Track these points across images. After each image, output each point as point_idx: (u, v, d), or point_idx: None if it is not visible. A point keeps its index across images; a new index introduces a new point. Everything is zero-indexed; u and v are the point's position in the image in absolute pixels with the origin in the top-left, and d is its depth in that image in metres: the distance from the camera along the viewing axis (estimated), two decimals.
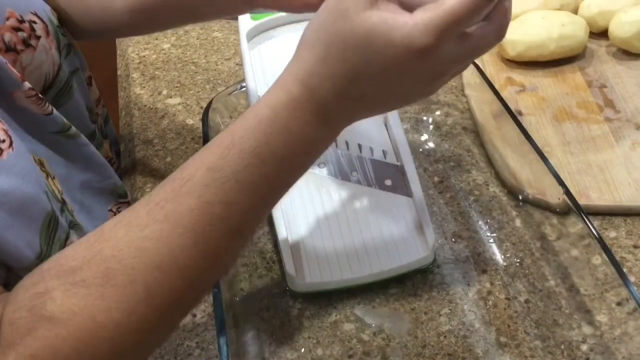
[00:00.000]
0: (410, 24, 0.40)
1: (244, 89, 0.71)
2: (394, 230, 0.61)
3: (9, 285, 0.44)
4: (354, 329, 0.58)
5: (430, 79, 0.44)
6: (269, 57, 0.68)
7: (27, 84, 0.53)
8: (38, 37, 0.57)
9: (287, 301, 0.60)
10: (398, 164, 0.65)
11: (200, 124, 0.76)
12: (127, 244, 0.42)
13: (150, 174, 0.73)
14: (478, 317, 0.58)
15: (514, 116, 0.67)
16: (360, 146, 0.66)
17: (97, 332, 0.40)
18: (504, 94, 0.75)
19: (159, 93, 0.84)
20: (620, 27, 0.81)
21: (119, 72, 0.90)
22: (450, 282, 0.61)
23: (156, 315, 0.42)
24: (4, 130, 0.48)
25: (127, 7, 0.61)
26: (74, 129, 0.58)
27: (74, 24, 0.63)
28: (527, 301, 0.59)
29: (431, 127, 0.76)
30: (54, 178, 0.55)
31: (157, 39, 0.92)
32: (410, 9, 0.41)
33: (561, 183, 0.61)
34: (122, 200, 0.64)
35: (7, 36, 0.54)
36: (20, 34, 0.55)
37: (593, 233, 0.57)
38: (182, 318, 0.47)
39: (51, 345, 0.39)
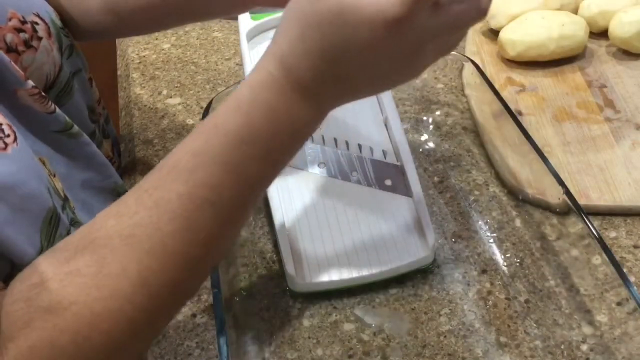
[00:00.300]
0: None
1: None
2: (394, 230, 0.61)
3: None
4: (354, 329, 0.58)
5: (408, 55, 0.43)
6: None
7: (30, 82, 0.53)
8: (40, 39, 0.57)
9: (287, 301, 0.60)
10: (398, 164, 0.65)
11: None
12: (117, 232, 0.42)
13: None
14: (478, 317, 0.58)
15: (514, 116, 0.67)
16: (360, 146, 0.66)
17: (93, 321, 0.40)
18: (504, 94, 0.75)
19: (159, 93, 0.84)
20: (620, 27, 0.81)
21: (119, 72, 0.90)
22: (450, 282, 0.61)
23: (151, 303, 0.42)
24: (8, 125, 0.48)
25: (127, 7, 0.61)
26: (76, 127, 0.58)
27: (75, 24, 0.63)
28: (527, 301, 0.59)
29: (431, 127, 0.76)
30: (54, 176, 0.55)
31: (157, 39, 0.92)
32: None
33: (561, 183, 0.61)
34: None
35: (9, 37, 0.54)
36: (22, 34, 0.55)
37: (593, 233, 0.57)
38: (179, 307, 0.47)
39: (49, 337, 0.39)
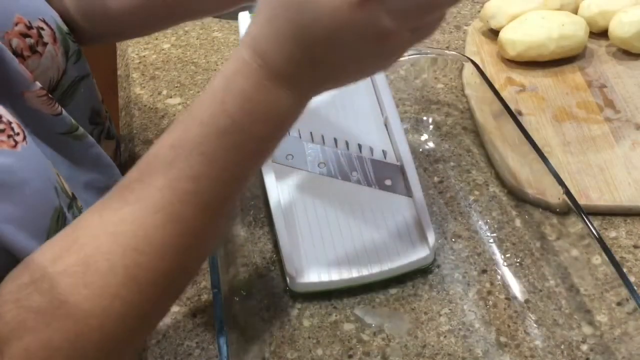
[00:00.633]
0: None
1: None
2: (394, 230, 0.61)
3: None
4: (354, 329, 0.58)
5: (378, 37, 0.42)
6: None
7: (37, 84, 0.53)
8: (45, 44, 0.57)
9: (287, 301, 0.60)
10: (398, 164, 0.65)
11: None
12: (102, 229, 0.42)
13: None
14: (478, 317, 0.58)
15: (514, 116, 0.67)
16: (360, 146, 0.66)
17: (85, 320, 0.40)
18: (504, 94, 0.75)
19: (159, 93, 0.84)
20: (620, 27, 0.81)
21: (119, 72, 0.90)
22: (450, 282, 0.61)
23: (142, 298, 0.42)
24: (17, 124, 0.48)
25: (125, 8, 0.61)
26: (81, 129, 0.58)
27: (79, 29, 0.64)
28: (527, 301, 0.59)
29: (431, 127, 0.76)
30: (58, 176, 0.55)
31: (157, 39, 0.92)
32: None
33: (561, 183, 0.61)
34: None
35: (15, 42, 0.55)
36: (27, 40, 0.56)
37: (593, 233, 0.57)
38: (171, 301, 0.47)
39: (43, 338, 0.39)
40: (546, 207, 0.64)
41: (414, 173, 0.64)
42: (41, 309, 0.39)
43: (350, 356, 0.56)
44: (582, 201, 0.62)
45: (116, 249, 0.41)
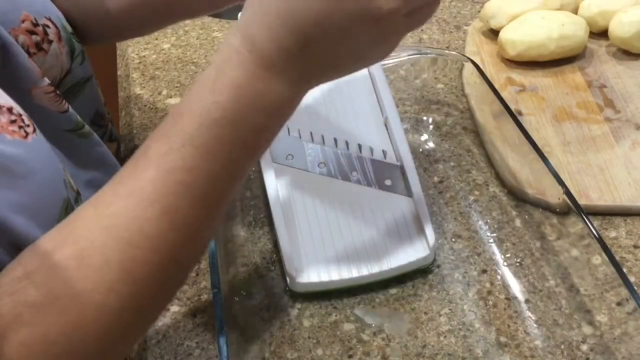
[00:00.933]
0: None
1: None
2: (394, 230, 0.61)
3: None
4: (354, 329, 0.58)
5: (371, 19, 0.42)
6: None
7: (46, 80, 0.53)
8: (50, 42, 0.57)
9: (287, 301, 0.60)
10: (398, 164, 0.65)
11: None
12: (96, 223, 0.42)
13: None
14: (478, 317, 0.58)
15: (514, 116, 0.67)
16: (360, 146, 0.66)
17: (81, 314, 0.40)
18: (504, 94, 0.75)
19: (159, 93, 0.84)
20: (620, 27, 0.81)
21: (119, 72, 0.90)
22: (450, 282, 0.61)
23: (137, 293, 0.42)
24: (27, 116, 0.48)
25: (125, 7, 0.62)
26: (87, 127, 0.58)
27: (80, 29, 0.64)
28: (527, 301, 0.59)
29: (431, 127, 0.76)
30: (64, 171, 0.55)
31: (157, 39, 0.92)
32: None
33: (561, 183, 0.61)
34: None
35: (22, 38, 0.55)
36: (34, 37, 0.56)
37: (593, 233, 0.57)
38: (167, 295, 0.46)
39: (38, 332, 0.39)
40: (546, 207, 0.64)
41: (414, 173, 0.64)
42: (36, 303, 0.39)
43: (350, 356, 0.56)
44: (582, 201, 0.62)
45: (110, 242, 0.41)
